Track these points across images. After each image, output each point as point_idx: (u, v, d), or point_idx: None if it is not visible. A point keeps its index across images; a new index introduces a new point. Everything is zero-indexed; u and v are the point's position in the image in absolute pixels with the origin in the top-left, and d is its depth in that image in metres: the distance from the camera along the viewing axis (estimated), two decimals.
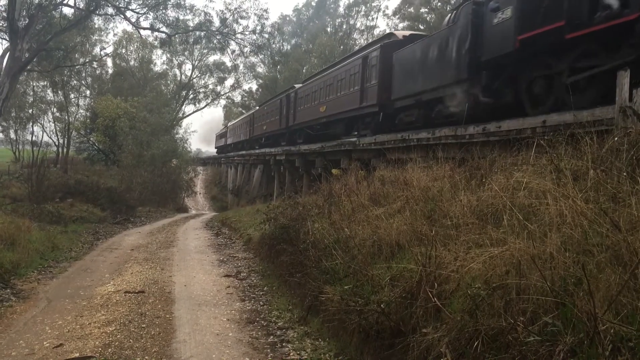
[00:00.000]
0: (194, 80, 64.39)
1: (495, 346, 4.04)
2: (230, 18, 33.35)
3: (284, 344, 6.94)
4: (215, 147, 68.63)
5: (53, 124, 53.06)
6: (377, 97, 16.93)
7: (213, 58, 61.58)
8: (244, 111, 60.81)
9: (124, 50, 60.89)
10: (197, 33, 33.06)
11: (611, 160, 5.46)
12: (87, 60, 44.19)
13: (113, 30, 58.76)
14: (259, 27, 35.56)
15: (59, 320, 7.70)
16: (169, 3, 29.74)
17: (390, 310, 5.60)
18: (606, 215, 4.34)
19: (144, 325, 7.51)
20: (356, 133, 19.34)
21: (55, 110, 52.38)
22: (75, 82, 48.95)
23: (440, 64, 12.78)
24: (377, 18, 65.95)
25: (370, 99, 17.62)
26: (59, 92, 48.19)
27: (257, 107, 43.27)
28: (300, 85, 29.74)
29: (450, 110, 12.36)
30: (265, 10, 55.09)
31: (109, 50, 57.37)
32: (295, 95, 29.01)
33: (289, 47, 64.68)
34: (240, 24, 37.03)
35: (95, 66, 50.99)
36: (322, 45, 56.70)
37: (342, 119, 21.10)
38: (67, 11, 29.86)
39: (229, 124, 58.62)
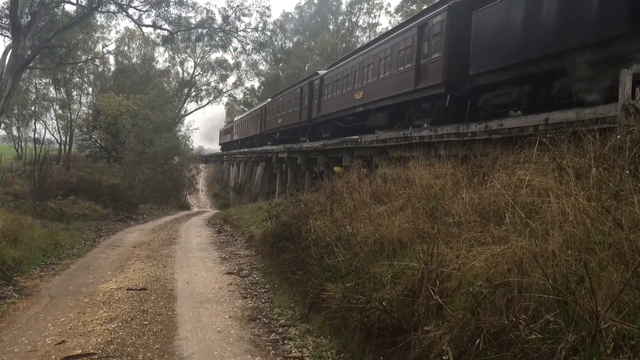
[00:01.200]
0: (196, 77, 64.47)
1: (497, 344, 4.03)
2: (233, 15, 33.25)
3: (285, 342, 6.95)
4: (220, 144, 67.68)
5: (55, 122, 53.14)
6: (444, 74, 13.39)
7: (215, 55, 61.68)
8: (245, 109, 60.58)
9: (126, 48, 61.06)
10: (199, 30, 33.01)
11: (614, 158, 5.45)
12: (90, 57, 44.33)
13: (115, 28, 59.01)
14: (261, 25, 35.44)
15: (61, 317, 7.72)
16: (171, 0, 29.73)
17: (392, 308, 5.60)
18: (608, 213, 4.33)
19: (146, 323, 7.52)
20: (399, 124, 16.58)
21: (57, 107, 52.43)
22: (77, 79, 48.96)
23: (570, 18, 9.20)
24: (379, 15, 65.98)
25: (432, 77, 13.99)
26: (62, 89, 48.20)
27: (270, 99, 39.74)
28: (326, 71, 26.11)
29: (585, 85, 8.83)
30: (268, 8, 55.11)
31: (111, 47, 57.65)
32: (320, 83, 25.19)
33: (291, 44, 64.69)
34: (242, 22, 37.17)
35: (98, 63, 51.18)
36: (324, 42, 56.68)
37: (385, 106, 17.30)
38: (70, 8, 29.93)
39: (235, 118, 56.63)
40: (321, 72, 26.61)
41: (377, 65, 18.11)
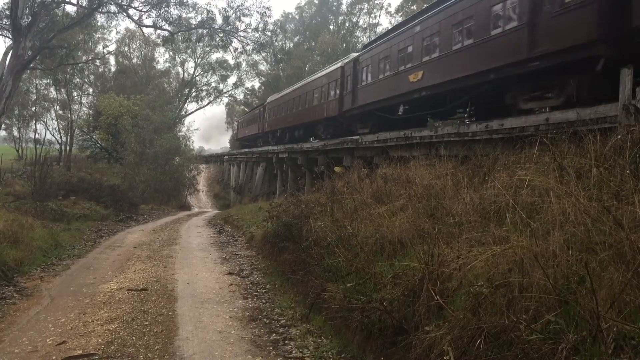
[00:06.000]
0: (197, 78, 64.43)
1: (498, 344, 4.03)
2: (233, 16, 33.25)
3: (286, 342, 6.95)
4: (237, 139, 57.76)
5: (56, 122, 53.17)
6: None
7: (216, 56, 61.68)
8: (246, 109, 60.11)
9: (126, 48, 61.08)
10: (200, 31, 33.03)
11: (614, 158, 5.45)
12: (90, 58, 44.27)
13: (116, 28, 59.36)
14: (261, 25, 35.51)
15: (62, 318, 7.72)
16: (172, 1, 29.75)
17: (393, 308, 5.60)
18: (609, 213, 4.33)
19: (146, 323, 7.52)
20: None
21: (58, 108, 52.44)
22: (78, 80, 49.00)
23: None
24: (379, 15, 65.93)
25: None
26: (62, 90, 48.22)
27: (359, 53, 22.11)
28: None
29: None
30: (268, 8, 55.24)
31: (112, 48, 57.74)
32: None
33: (291, 45, 64.70)
34: (242, 22, 37.21)
35: (98, 64, 51.25)
36: (325, 43, 56.62)
37: None
38: (70, 9, 29.98)
39: (269, 99, 39.62)
40: None
41: None
